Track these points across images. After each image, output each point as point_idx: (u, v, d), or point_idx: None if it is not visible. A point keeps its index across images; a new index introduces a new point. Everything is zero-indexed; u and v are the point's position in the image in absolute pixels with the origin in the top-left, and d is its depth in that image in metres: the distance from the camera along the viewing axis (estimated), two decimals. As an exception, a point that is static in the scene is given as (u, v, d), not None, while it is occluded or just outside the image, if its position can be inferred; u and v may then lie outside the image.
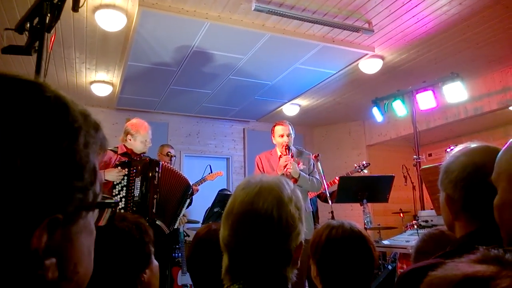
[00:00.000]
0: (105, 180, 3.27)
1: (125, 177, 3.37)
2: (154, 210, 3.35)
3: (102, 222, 0.58)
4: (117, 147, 3.57)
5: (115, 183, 3.35)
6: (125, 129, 3.58)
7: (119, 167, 3.36)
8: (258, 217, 1.02)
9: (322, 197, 4.95)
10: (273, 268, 1.03)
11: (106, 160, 3.41)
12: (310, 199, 4.77)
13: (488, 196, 1.06)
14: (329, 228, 1.49)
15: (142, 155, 3.59)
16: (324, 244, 1.46)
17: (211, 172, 5.32)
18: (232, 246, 1.05)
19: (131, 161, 3.45)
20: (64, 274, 0.48)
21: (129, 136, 3.52)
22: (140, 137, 3.51)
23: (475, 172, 1.08)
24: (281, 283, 1.05)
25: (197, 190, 4.84)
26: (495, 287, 0.46)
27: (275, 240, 1.03)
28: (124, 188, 3.36)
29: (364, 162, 5.27)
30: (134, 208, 3.29)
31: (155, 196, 3.38)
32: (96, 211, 0.56)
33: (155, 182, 3.40)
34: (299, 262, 1.09)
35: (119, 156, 3.49)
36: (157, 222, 3.37)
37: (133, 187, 3.36)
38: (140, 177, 3.37)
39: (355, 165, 5.35)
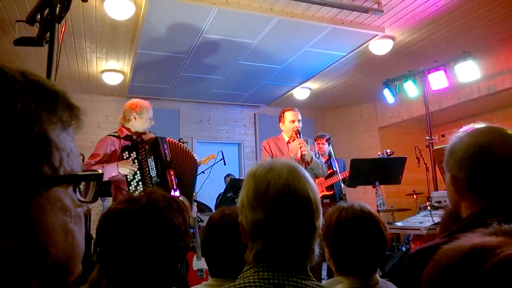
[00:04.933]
0: (119, 173, 3.20)
1: (136, 161, 3.26)
2: (175, 188, 3.30)
3: (88, 198, 0.55)
4: (117, 132, 3.44)
5: None
6: (126, 110, 3.44)
7: (126, 152, 3.27)
8: (298, 197, 1.05)
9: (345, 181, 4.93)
10: (303, 244, 1.07)
11: (116, 148, 3.32)
12: (334, 183, 4.81)
13: (493, 175, 1.09)
14: (339, 210, 1.51)
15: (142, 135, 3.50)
16: (335, 226, 1.48)
17: (223, 158, 5.34)
18: (270, 228, 1.05)
19: (136, 143, 3.34)
20: (29, 256, 0.45)
21: (134, 115, 3.40)
22: (146, 114, 3.42)
23: (479, 152, 1.10)
24: (309, 257, 1.09)
25: None
26: (498, 254, 0.48)
27: (311, 217, 1.06)
28: (138, 172, 3.26)
29: (389, 151, 5.20)
30: None
31: (172, 172, 3.33)
32: (70, 186, 0.52)
33: (168, 159, 3.34)
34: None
35: (122, 140, 3.37)
36: (180, 198, 3.27)
37: (147, 168, 3.27)
38: (152, 156, 3.29)
39: (379, 153, 5.29)
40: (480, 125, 1.19)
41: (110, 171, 3.15)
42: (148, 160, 3.28)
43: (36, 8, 2.06)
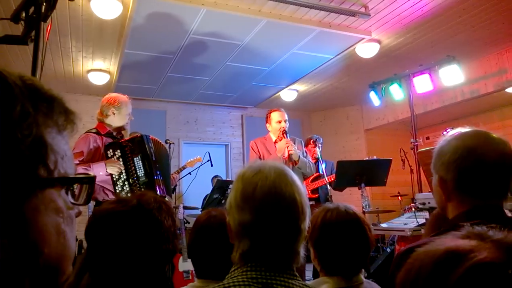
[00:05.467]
0: (107, 172, 3.04)
1: (121, 159, 3.11)
2: (162, 187, 3.21)
3: (80, 201, 0.56)
4: (95, 128, 3.25)
5: None
6: (103, 105, 3.23)
7: (110, 150, 3.12)
8: (284, 199, 1.06)
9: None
10: (288, 245, 1.08)
11: (99, 145, 3.15)
12: (319, 187, 4.83)
13: (479, 177, 1.12)
14: (324, 211, 1.53)
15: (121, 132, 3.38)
16: (320, 227, 1.49)
17: (210, 159, 5.33)
18: (256, 229, 1.06)
19: (120, 141, 3.21)
20: (23, 254, 0.46)
21: (112, 110, 3.20)
22: (125, 109, 3.24)
23: (467, 154, 1.13)
24: (294, 258, 1.09)
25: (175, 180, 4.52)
26: (471, 258, 0.48)
27: (296, 220, 1.07)
28: (123, 171, 3.11)
29: (375, 157, 5.25)
30: (142, 189, 3.06)
31: (158, 172, 3.21)
32: (63, 188, 0.53)
33: (154, 158, 3.20)
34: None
35: (104, 137, 3.21)
36: (166, 199, 3.23)
37: (134, 168, 3.12)
38: (139, 155, 3.14)
39: (366, 159, 5.34)
40: (466, 129, 1.22)
41: (98, 171, 2.98)
42: (135, 159, 3.14)
43: (20, 6, 2.03)
